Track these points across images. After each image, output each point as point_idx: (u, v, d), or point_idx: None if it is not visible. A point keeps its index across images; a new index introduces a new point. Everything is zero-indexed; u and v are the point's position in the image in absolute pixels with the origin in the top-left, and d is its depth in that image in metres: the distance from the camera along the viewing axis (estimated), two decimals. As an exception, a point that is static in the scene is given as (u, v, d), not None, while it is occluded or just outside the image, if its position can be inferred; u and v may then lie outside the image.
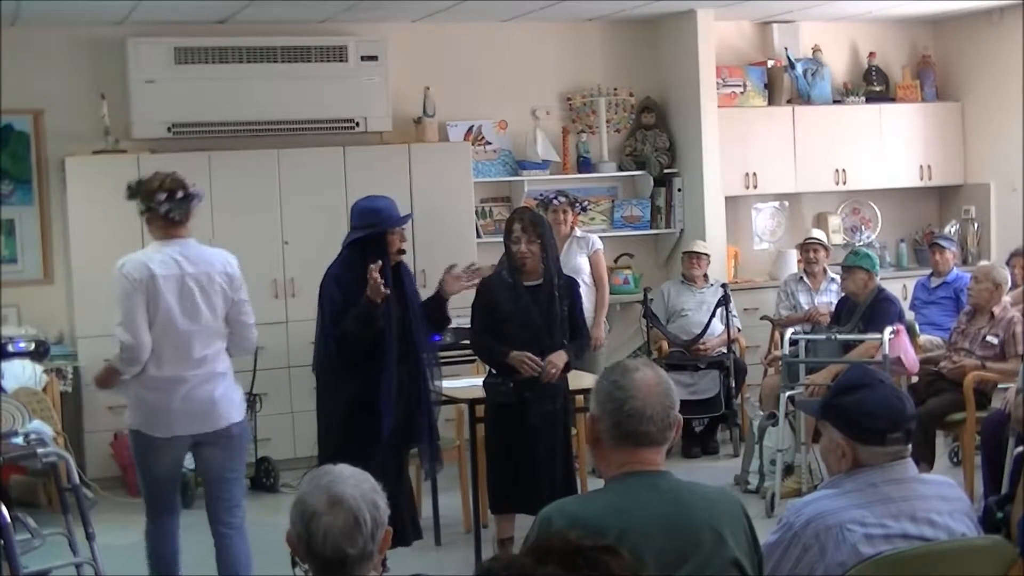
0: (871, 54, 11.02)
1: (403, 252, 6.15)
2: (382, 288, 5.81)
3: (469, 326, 6.87)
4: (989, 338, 7.73)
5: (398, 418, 6.13)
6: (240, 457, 5.80)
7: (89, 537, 6.08)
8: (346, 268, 6.11)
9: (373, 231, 6.02)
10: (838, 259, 9.03)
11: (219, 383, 5.59)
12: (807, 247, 9.49)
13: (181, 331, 5.47)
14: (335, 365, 6.14)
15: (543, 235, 6.49)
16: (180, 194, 5.50)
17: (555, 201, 8.79)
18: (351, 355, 6.03)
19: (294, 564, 2.97)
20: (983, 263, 8.58)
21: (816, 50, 10.70)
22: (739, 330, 9.38)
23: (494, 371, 6.64)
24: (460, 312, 8.43)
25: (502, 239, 6.77)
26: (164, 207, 5.48)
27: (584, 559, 2.08)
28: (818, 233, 9.70)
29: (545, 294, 6.47)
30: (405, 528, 6.09)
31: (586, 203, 9.71)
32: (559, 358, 6.42)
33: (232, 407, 5.64)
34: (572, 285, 6.68)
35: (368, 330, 5.93)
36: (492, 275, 6.73)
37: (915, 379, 7.88)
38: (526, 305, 6.47)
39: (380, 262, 5.86)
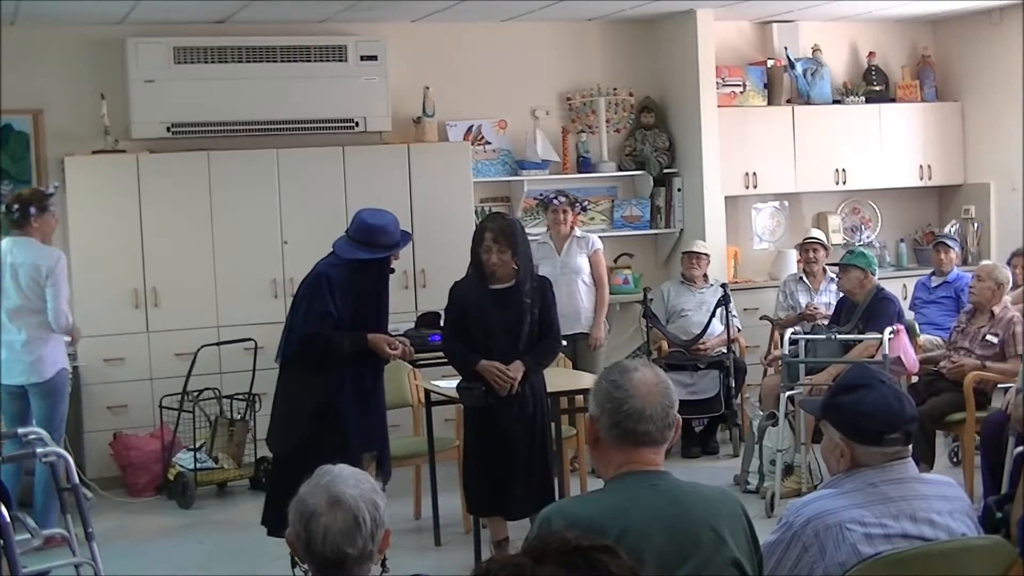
0: (871, 54, 11.02)
1: (394, 271, 6.41)
2: (389, 354, 6.28)
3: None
4: (989, 337, 7.73)
5: (359, 422, 6.22)
6: (58, 404, 7.43)
7: (88, 537, 6.08)
8: (339, 272, 6.17)
9: (382, 255, 6.20)
10: (837, 259, 9.02)
11: (38, 347, 7.31)
12: (806, 247, 9.48)
13: (11, 305, 7.26)
14: (305, 363, 6.21)
15: (514, 244, 6.35)
16: (16, 206, 7.29)
17: (555, 201, 8.79)
18: (308, 359, 6.15)
19: (294, 564, 2.97)
20: (986, 262, 8.57)
21: (816, 50, 10.69)
22: (739, 330, 9.37)
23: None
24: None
25: (471, 244, 6.61)
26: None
27: (582, 559, 2.07)
28: (817, 232, 9.70)
29: (515, 298, 6.37)
30: None
31: (586, 203, 9.71)
32: (516, 369, 6.32)
33: (49, 365, 7.35)
34: (544, 286, 6.54)
35: (344, 353, 6.17)
36: (463, 278, 6.64)
37: (915, 379, 7.88)
38: (493, 309, 6.41)
39: (406, 346, 6.40)
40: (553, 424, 6.72)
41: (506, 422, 6.35)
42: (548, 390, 6.64)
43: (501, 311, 6.39)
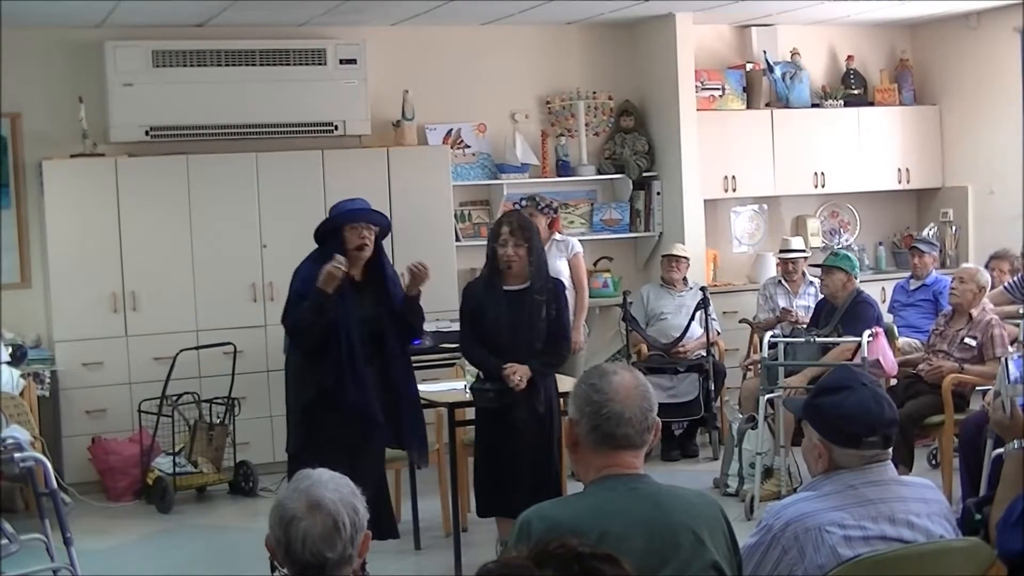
0: (849, 57, 11.05)
1: (362, 248, 6.18)
2: (336, 275, 5.95)
3: (459, 330, 6.84)
4: (967, 340, 7.76)
5: (378, 418, 6.19)
6: None
7: (66, 542, 6.06)
8: (309, 262, 6.21)
9: (327, 226, 6.21)
10: (816, 261, 9.05)
11: None
12: (786, 262, 9.51)
13: None
14: (295, 360, 6.24)
15: (531, 239, 6.41)
16: None
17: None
18: (301, 345, 6.17)
19: (273, 568, 2.96)
20: (967, 265, 8.60)
21: (794, 53, 10.72)
22: (718, 333, 9.39)
23: (481, 376, 6.59)
24: (438, 316, 8.46)
25: (486, 242, 6.72)
26: None
27: (581, 566, 2.10)
28: (796, 242, 9.70)
29: (529, 299, 6.39)
30: (381, 524, 6.06)
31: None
32: (521, 371, 6.32)
33: None
34: (558, 288, 6.59)
35: (317, 318, 6.01)
36: (475, 280, 6.70)
37: (894, 382, 7.90)
38: (508, 310, 6.41)
39: (342, 257, 6.01)
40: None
41: (520, 423, 6.35)
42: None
43: (515, 312, 6.40)
